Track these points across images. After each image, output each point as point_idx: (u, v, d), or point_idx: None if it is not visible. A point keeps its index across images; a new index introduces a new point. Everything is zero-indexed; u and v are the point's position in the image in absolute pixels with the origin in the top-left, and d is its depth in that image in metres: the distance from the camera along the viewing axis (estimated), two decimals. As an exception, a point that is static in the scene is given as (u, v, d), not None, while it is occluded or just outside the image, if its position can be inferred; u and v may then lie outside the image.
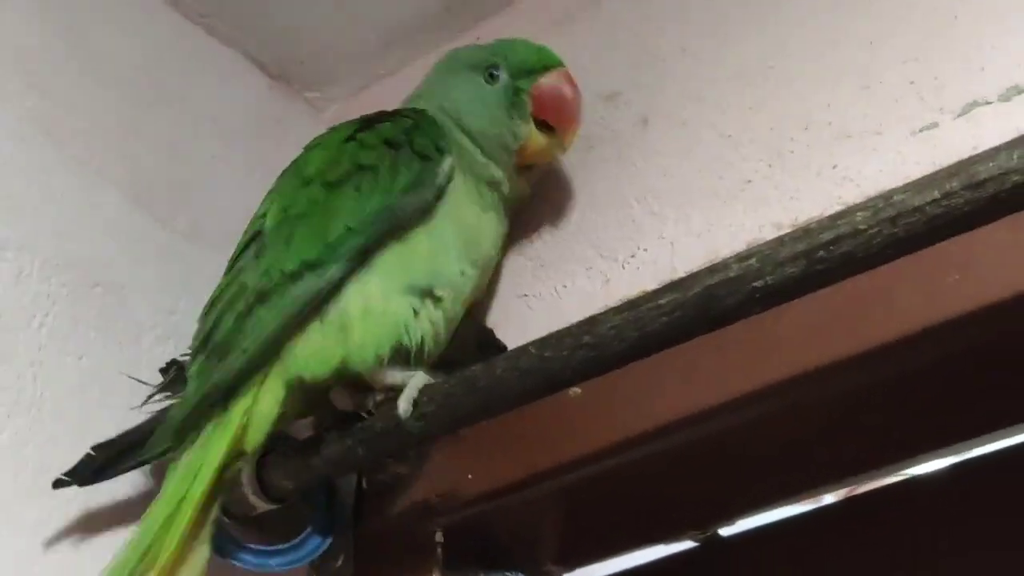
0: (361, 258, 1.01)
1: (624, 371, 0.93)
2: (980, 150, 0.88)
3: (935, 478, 1.07)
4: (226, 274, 1.08)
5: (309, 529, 1.12)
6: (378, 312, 1.00)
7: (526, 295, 1.17)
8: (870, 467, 1.01)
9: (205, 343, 1.03)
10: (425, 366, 1.02)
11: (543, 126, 1.09)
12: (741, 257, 0.86)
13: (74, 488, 1.03)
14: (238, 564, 1.09)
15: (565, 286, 1.14)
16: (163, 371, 1.13)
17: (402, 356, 1.01)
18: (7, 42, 1.15)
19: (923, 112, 0.99)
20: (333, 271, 1.00)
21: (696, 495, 1.10)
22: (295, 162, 1.12)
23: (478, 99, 1.11)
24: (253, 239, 1.07)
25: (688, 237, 1.08)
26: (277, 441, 1.08)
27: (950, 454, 1.04)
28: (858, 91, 1.03)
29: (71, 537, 1.05)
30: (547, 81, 1.09)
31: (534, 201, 1.18)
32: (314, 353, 1.00)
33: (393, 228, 1.02)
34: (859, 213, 0.82)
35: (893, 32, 1.03)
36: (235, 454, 1.00)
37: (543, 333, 0.94)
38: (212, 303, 1.06)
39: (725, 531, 1.13)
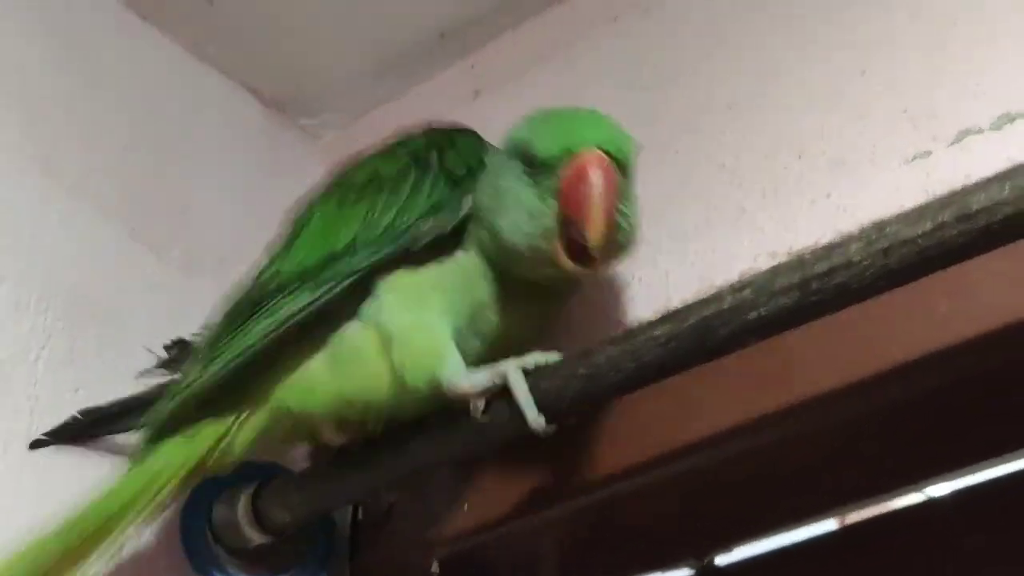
0: (362, 285, 0.96)
1: (621, 400, 0.93)
2: (973, 179, 0.88)
3: (931, 506, 1.07)
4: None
5: (305, 561, 1.12)
6: (401, 335, 0.94)
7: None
8: (866, 496, 1.01)
9: (204, 343, 1.03)
10: None
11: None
12: (735, 288, 0.86)
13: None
14: (232, 599, 1.09)
15: (561, 315, 1.14)
16: (168, 348, 1.12)
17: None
18: (2, 73, 1.15)
19: (916, 140, 0.99)
20: (326, 289, 0.95)
21: (693, 524, 1.09)
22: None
23: (513, 195, 0.94)
24: None
25: (683, 266, 1.08)
26: (273, 472, 1.08)
27: (947, 481, 1.04)
28: (851, 119, 1.04)
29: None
30: (568, 175, 0.90)
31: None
32: (313, 387, 0.97)
33: (402, 256, 0.96)
34: (853, 244, 0.82)
35: (885, 60, 1.04)
36: (197, 474, 0.99)
37: (542, 356, 0.94)
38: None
39: (721, 560, 1.13)
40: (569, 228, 0.90)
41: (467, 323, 0.97)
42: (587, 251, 0.90)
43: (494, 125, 1.03)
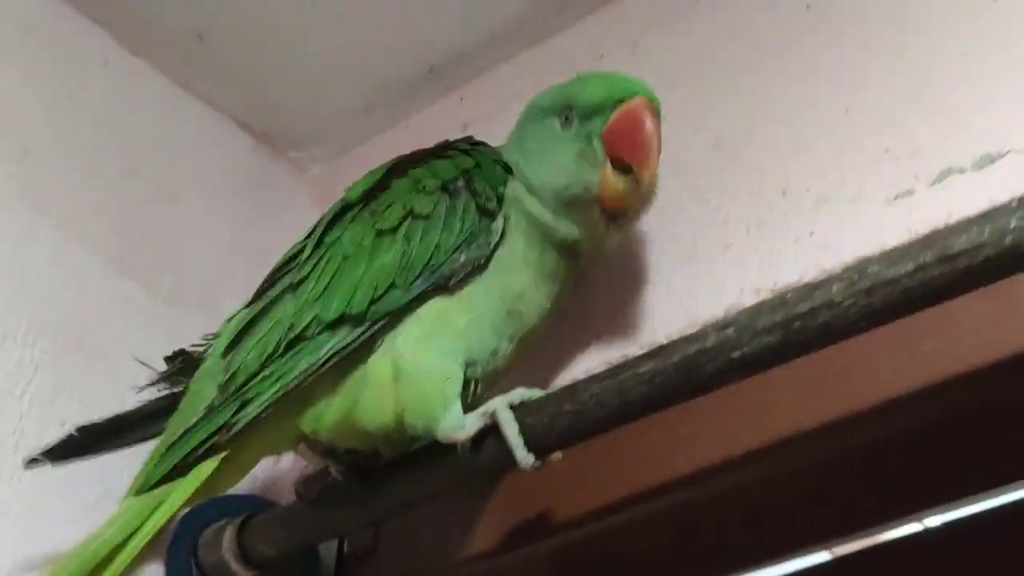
0: (400, 315, 0.97)
1: (604, 436, 0.93)
2: (955, 218, 0.90)
3: (924, 537, 1.07)
4: (257, 296, 1.05)
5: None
6: (413, 368, 0.96)
7: (509, 357, 1.17)
8: (854, 530, 1.00)
9: (226, 373, 0.99)
10: None
11: (621, 166, 0.98)
12: (719, 326, 0.87)
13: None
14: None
15: (547, 349, 1.14)
16: (168, 359, 1.10)
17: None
18: (-10, 107, 1.16)
19: (899, 179, 1.00)
20: (368, 326, 0.96)
21: (674, 561, 1.09)
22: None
23: (548, 149, 1.01)
24: (293, 259, 1.04)
25: (669, 301, 1.09)
26: (258, 506, 1.08)
27: (926, 517, 1.04)
28: (835, 157, 1.05)
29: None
30: (617, 121, 0.98)
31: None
32: (326, 409, 0.97)
33: (439, 289, 0.98)
34: (835, 284, 0.83)
35: (868, 99, 1.05)
36: (205, 491, 0.99)
37: (527, 392, 0.95)
38: (244, 327, 1.02)
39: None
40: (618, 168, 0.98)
41: (500, 329, 0.99)
42: (619, 211, 1.00)
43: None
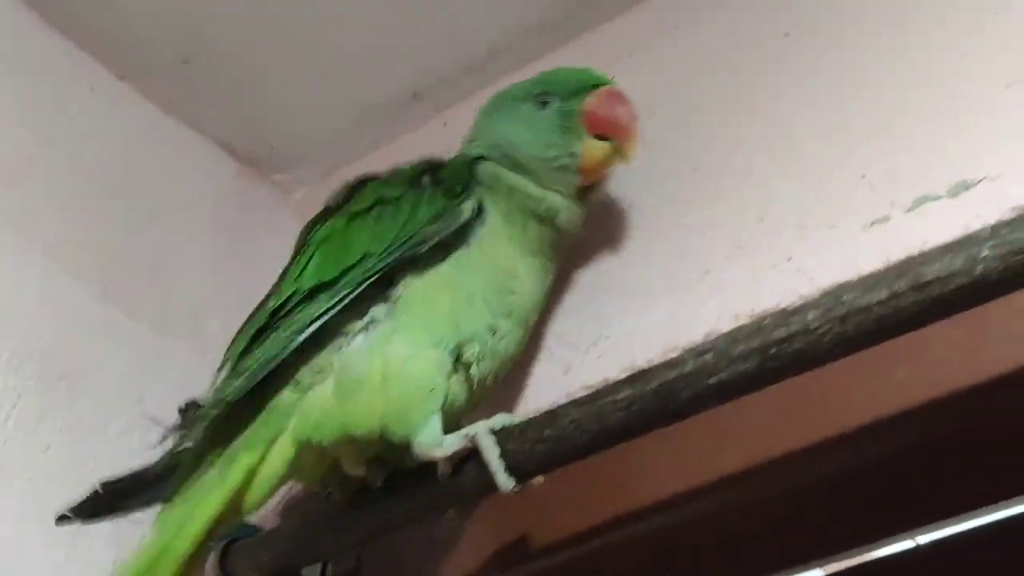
0: (380, 290, 1.00)
1: (584, 461, 0.94)
2: (930, 244, 0.90)
3: (916, 554, 1.08)
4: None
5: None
6: (400, 374, 0.97)
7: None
8: (820, 557, 1.01)
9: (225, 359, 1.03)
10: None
11: (599, 139, 1.07)
12: (697, 352, 0.88)
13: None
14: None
15: (527, 373, 1.15)
16: (182, 411, 1.08)
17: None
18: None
19: (875, 206, 1.01)
20: (343, 295, 0.99)
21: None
22: None
23: (531, 127, 1.09)
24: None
25: (649, 325, 1.10)
26: (241, 530, 1.08)
27: (904, 540, 1.05)
28: (813, 184, 1.06)
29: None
30: (597, 97, 1.08)
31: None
32: (321, 413, 0.98)
33: (412, 258, 1.01)
34: (810, 311, 0.84)
35: (846, 126, 1.06)
36: (231, 513, 0.98)
37: (507, 418, 0.96)
38: (241, 329, 1.05)
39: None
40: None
41: (493, 306, 1.03)
42: (596, 180, 1.11)
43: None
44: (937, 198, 0.99)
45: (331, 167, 1.47)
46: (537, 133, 1.09)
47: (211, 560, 1.07)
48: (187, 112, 1.39)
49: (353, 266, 1.00)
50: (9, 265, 1.14)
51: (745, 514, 0.99)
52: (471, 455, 0.95)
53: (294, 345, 0.98)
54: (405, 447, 0.97)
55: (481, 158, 1.10)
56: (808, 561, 0.99)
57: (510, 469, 0.93)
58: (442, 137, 1.37)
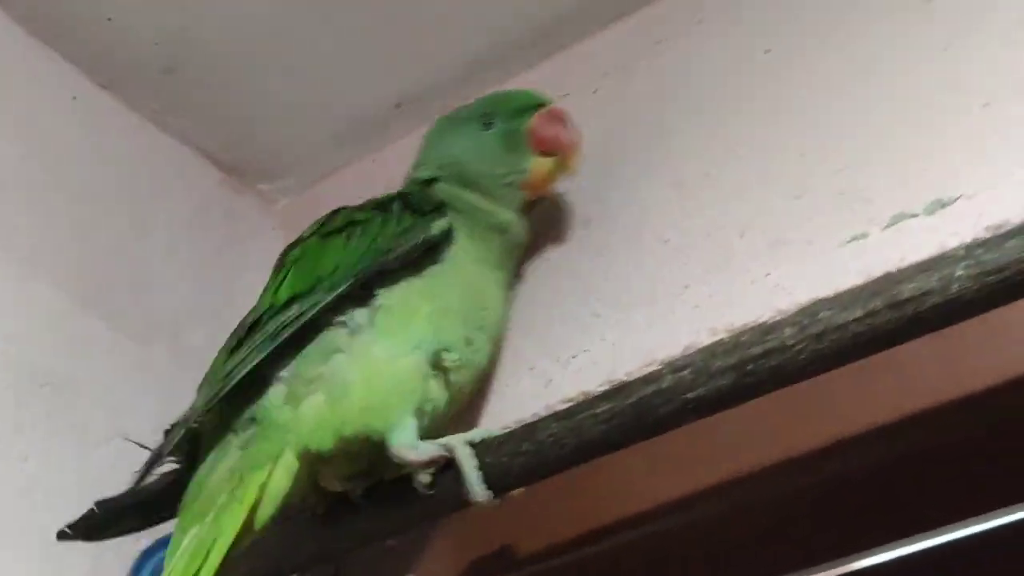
0: (359, 302, 1.02)
1: (564, 472, 0.94)
2: (907, 262, 0.92)
3: (869, 574, 1.09)
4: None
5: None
6: (382, 372, 1.00)
7: (469, 392, 1.18)
8: (801, 568, 1.02)
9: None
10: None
11: (545, 156, 1.14)
12: (675, 368, 0.89)
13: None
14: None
15: (508, 385, 1.16)
16: (167, 432, 1.06)
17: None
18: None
19: (852, 223, 1.02)
20: (313, 302, 1.00)
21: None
22: None
23: (478, 145, 1.15)
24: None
25: (628, 340, 1.10)
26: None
27: (886, 551, 1.06)
28: (791, 200, 1.06)
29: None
30: (541, 117, 1.14)
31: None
32: (316, 422, 0.99)
33: (386, 270, 1.04)
34: (787, 328, 0.85)
35: (824, 143, 1.07)
36: (246, 532, 0.97)
37: (486, 431, 0.98)
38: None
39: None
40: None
41: (468, 319, 1.07)
42: (541, 196, 1.17)
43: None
44: (914, 216, 0.99)
45: (314, 177, 1.47)
46: (485, 152, 1.14)
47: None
48: (170, 121, 1.38)
49: (325, 277, 1.02)
50: (-12, 273, 1.13)
51: (724, 527, 1.00)
52: (450, 466, 0.96)
53: (266, 352, 0.99)
54: (383, 447, 0.98)
55: (434, 180, 1.15)
56: (789, 574, 0.99)
57: (488, 483, 0.94)
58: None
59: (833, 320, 0.84)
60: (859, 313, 0.83)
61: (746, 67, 1.15)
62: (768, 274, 1.04)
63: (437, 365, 1.03)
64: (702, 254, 1.09)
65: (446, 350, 1.03)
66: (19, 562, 1.03)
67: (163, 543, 1.10)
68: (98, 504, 1.02)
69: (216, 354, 1.06)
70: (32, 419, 1.11)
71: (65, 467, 1.11)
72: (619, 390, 0.91)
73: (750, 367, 0.86)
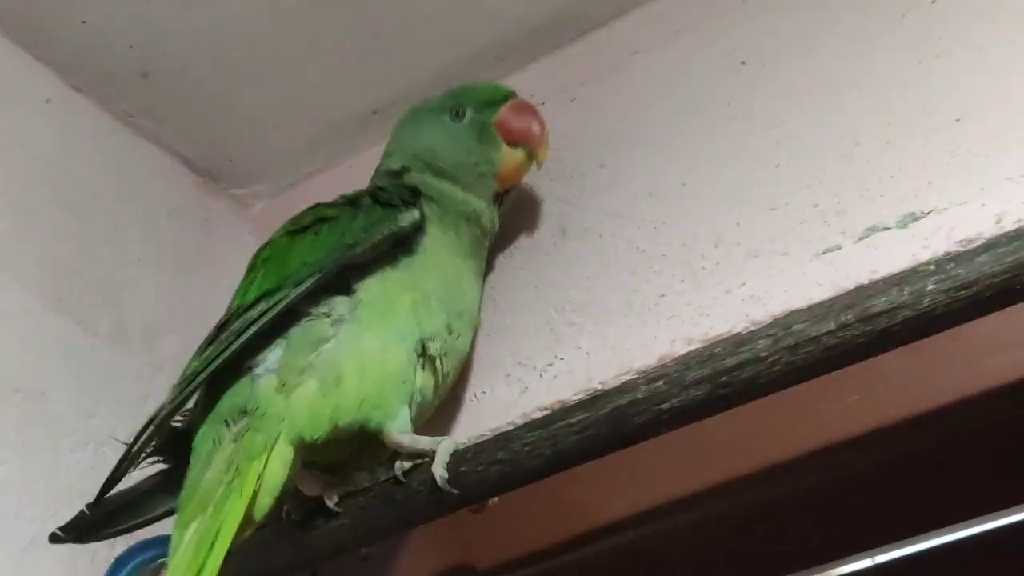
0: (336, 293, 1.03)
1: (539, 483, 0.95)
2: (880, 274, 0.93)
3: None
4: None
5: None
6: (376, 364, 1.01)
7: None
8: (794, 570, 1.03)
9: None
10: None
11: (514, 147, 1.15)
12: (650, 378, 0.89)
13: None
14: None
15: (484, 392, 1.16)
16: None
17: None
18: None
19: (826, 234, 1.03)
20: (283, 294, 1.01)
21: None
22: None
23: (449, 136, 1.16)
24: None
25: (604, 348, 1.11)
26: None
27: (859, 560, 1.06)
28: (766, 212, 1.07)
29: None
30: (509, 109, 1.16)
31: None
32: (310, 410, 0.99)
33: (358, 263, 1.05)
34: (761, 340, 0.86)
35: (799, 155, 1.08)
36: (246, 523, 0.97)
37: (461, 439, 0.98)
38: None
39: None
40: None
41: (447, 307, 1.08)
42: (510, 186, 1.18)
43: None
44: (887, 228, 1.00)
45: (291, 182, 1.47)
46: (456, 143, 1.16)
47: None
48: (145, 125, 1.38)
49: (291, 274, 1.03)
50: (-39, 277, 1.12)
51: (697, 536, 1.01)
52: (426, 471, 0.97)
53: (232, 350, 1.00)
54: (379, 434, 1.00)
55: (405, 169, 1.16)
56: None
57: (462, 492, 0.94)
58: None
59: (806, 332, 0.84)
60: (832, 326, 0.84)
61: (722, 79, 1.16)
62: (743, 284, 1.05)
63: (423, 354, 1.05)
64: (677, 264, 1.10)
65: (430, 339, 1.05)
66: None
67: (137, 549, 1.10)
68: (89, 506, 1.03)
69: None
70: (5, 424, 1.10)
71: (38, 473, 1.10)
72: (594, 400, 0.92)
73: (724, 379, 0.86)
